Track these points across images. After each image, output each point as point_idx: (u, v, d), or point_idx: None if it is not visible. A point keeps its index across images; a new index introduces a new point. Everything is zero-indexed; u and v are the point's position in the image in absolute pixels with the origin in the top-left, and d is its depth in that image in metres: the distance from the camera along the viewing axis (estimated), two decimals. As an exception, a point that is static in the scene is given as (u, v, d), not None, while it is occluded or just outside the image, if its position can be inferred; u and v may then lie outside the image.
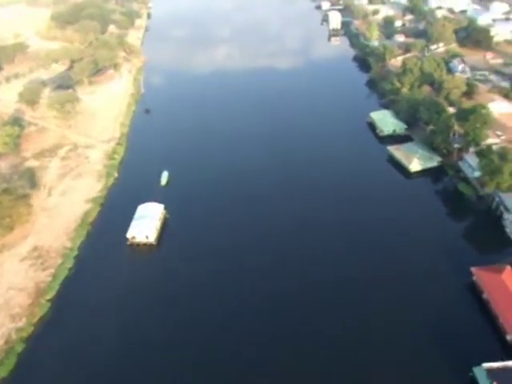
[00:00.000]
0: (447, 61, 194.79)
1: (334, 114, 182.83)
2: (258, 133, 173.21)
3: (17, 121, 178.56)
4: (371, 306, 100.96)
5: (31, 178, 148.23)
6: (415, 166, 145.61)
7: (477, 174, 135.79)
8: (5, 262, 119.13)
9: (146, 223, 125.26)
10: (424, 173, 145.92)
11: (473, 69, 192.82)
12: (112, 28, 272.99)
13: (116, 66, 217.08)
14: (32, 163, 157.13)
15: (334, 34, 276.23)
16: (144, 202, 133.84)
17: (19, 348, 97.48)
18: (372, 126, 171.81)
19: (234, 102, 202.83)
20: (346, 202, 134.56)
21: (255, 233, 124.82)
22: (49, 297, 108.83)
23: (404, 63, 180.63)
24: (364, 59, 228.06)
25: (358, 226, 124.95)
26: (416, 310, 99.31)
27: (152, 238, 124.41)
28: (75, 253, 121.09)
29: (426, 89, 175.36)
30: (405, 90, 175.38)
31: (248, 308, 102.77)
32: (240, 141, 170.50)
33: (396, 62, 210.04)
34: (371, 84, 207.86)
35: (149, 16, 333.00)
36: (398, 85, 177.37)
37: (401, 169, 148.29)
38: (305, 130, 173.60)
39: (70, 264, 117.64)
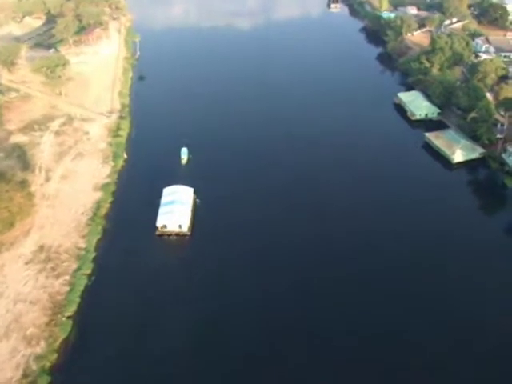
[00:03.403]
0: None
1: (355, 92, 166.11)
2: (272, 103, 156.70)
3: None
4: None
5: (21, 157, 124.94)
6: (458, 156, 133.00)
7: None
8: (5, 264, 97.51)
9: (177, 210, 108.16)
10: (466, 164, 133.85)
11: (496, 50, 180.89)
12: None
13: (102, 25, 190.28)
14: (19, 138, 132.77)
15: (333, 0, 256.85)
16: (164, 186, 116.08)
17: (43, 383, 78.69)
18: (399, 108, 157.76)
19: (237, 64, 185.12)
20: (386, 195, 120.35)
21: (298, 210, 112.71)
22: (69, 313, 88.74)
23: (434, 40, 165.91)
24: (373, 31, 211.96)
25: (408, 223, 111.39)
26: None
27: (185, 227, 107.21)
28: (92, 254, 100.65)
29: (458, 70, 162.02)
30: (435, 71, 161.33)
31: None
32: (255, 106, 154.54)
33: (412, 37, 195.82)
34: (384, 59, 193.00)
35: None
36: (426, 64, 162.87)
37: (440, 158, 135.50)
38: (326, 108, 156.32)
39: (88, 269, 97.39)
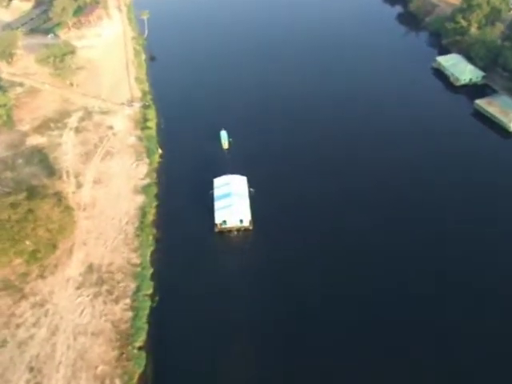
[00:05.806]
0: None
1: (386, 57, 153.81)
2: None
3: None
4: None
5: (44, 162, 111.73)
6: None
7: None
8: (53, 291, 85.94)
9: (235, 203, 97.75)
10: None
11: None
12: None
13: (100, 3, 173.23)
14: (36, 140, 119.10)
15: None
16: (212, 177, 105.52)
17: (132, 432, 68.53)
18: (439, 73, 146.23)
19: (252, 34, 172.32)
20: (445, 168, 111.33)
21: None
22: (139, 343, 78.37)
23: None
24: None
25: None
26: None
27: (247, 221, 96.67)
28: (150, 270, 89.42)
29: (499, 28, 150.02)
30: (473, 30, 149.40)
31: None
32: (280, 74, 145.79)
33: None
34: (407, 19, 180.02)
35: None
36: (463, 23, 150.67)
37: (494, 126, 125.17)
38: (358, 78, 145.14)
39: (149, 289, 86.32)
